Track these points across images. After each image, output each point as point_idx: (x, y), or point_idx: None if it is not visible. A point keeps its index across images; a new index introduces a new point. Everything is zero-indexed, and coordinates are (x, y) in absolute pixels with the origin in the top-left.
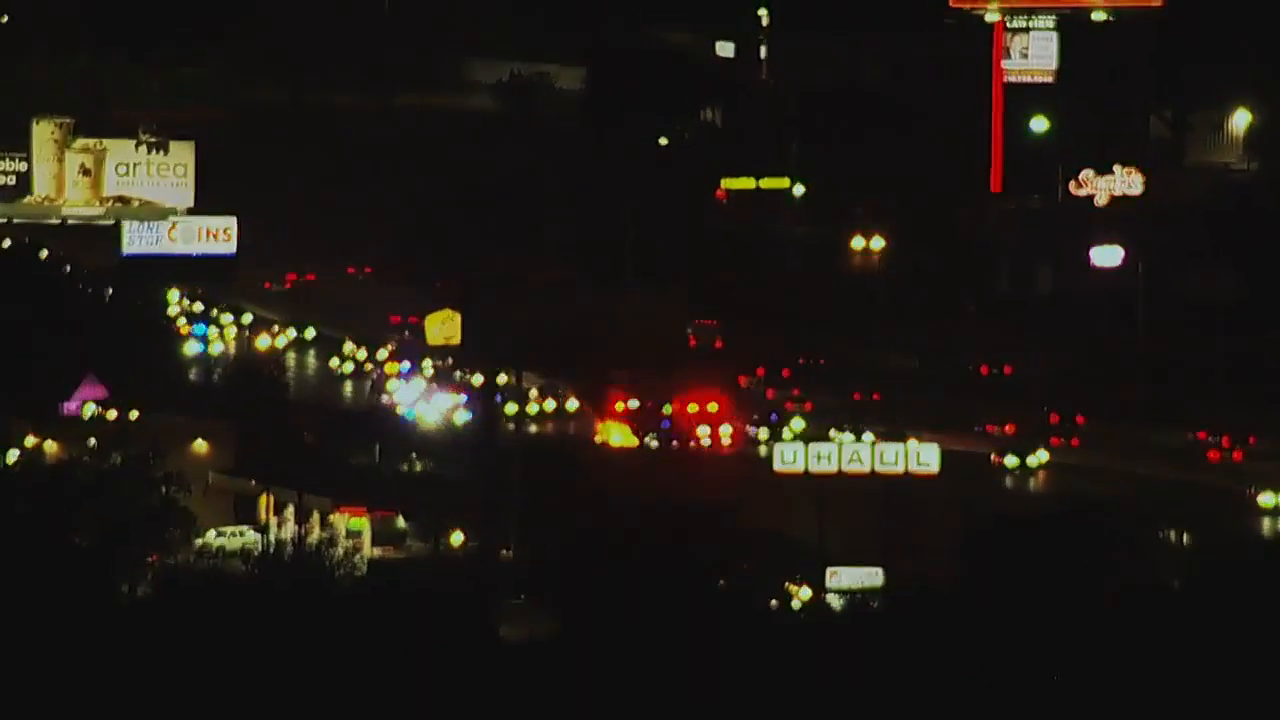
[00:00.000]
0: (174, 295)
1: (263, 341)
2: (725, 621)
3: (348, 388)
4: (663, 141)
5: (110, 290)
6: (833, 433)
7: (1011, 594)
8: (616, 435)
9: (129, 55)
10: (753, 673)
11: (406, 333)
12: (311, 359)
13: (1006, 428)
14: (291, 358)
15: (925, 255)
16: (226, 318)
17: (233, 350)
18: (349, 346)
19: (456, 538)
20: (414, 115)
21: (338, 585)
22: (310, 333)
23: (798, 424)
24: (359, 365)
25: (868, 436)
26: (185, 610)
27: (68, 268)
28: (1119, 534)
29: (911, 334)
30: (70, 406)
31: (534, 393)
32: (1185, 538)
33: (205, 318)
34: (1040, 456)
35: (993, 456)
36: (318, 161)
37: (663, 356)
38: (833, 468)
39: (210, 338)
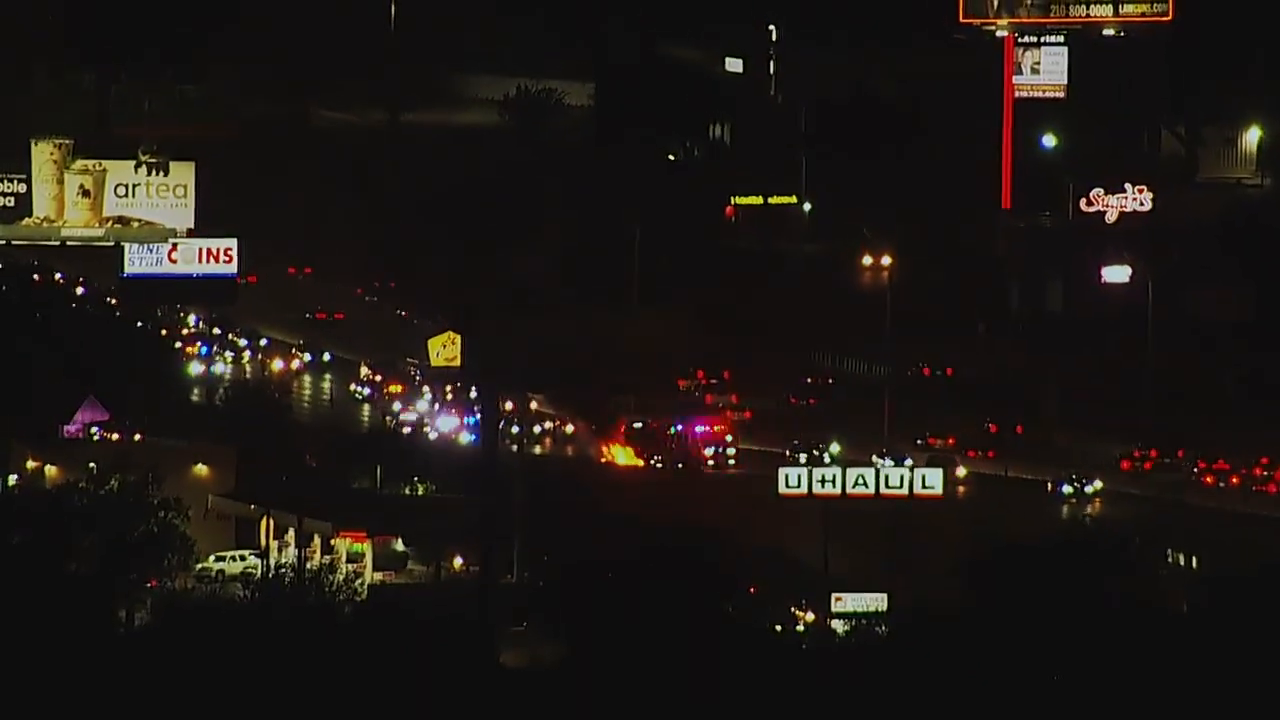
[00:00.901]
0: (190, 319)
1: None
2: (729, 649)
3: (363, 411)
4: (671, 157)
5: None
6: (875, 459)
7: (1017, 620)
8: (622, 455)
9: (131, 73)
10: (756, 700)
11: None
12: (304, 381)
13: (949, 440)
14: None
15: (935, 272)
16: (241, 341)
17: (249, 373)
18: (365, 371)
19: (458, 561)
20: (419, 131)
21: (337, 612)
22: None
23: (835, 449)
24: (375, 388)
25: (908, 462)
26: (184, 637)
27: (80, 289)
28: (1126, 559)
29: (917, 348)
30: (71, 429)
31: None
32: (1195, 561)
33: (221, 341)
34: (1095, 484)
35: (1049, 485)
36: (319, 177)
37: (667, 378)
38: (836, 491)
39: (220, 359)
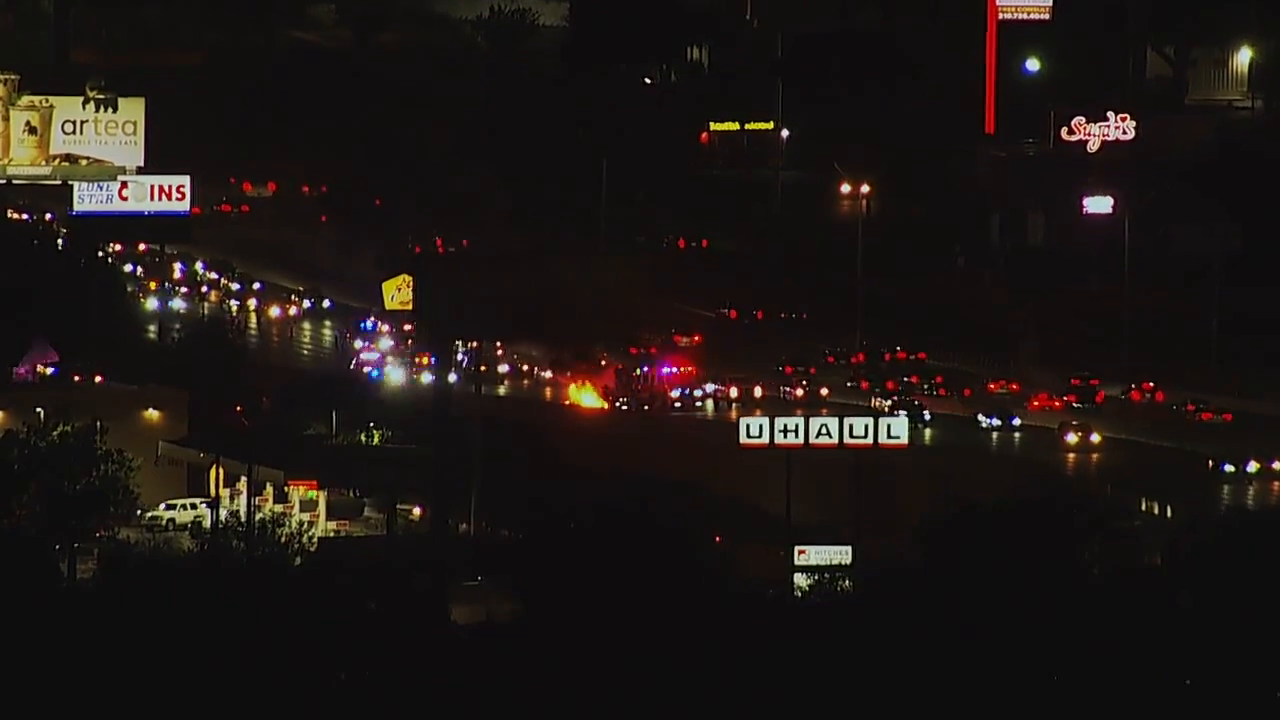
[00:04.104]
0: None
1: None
2: (690, 601)
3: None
4: (647, 81)
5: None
6: (980, 417)
7: (978, 580)
8: (587, 397)
9: None
10: (717, 653)
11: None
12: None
13: (694, 337)
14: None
15: (915, 203)
16: (234, 285)
17: (252, 319)
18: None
19: (415, 511)
20: (392, 53)
21: (285, 566)
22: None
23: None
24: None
25: (1015, 421)
26: (128, 593)
27: (64, 232)
28: (1093, 519)
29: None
30: (20, 371)
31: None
32: (1169, 510)
33: (215, 286)
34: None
35: (1209, 462)
36: (285, 102)
37: (632, 321)
38: (799, 441)
39: (177, 295)
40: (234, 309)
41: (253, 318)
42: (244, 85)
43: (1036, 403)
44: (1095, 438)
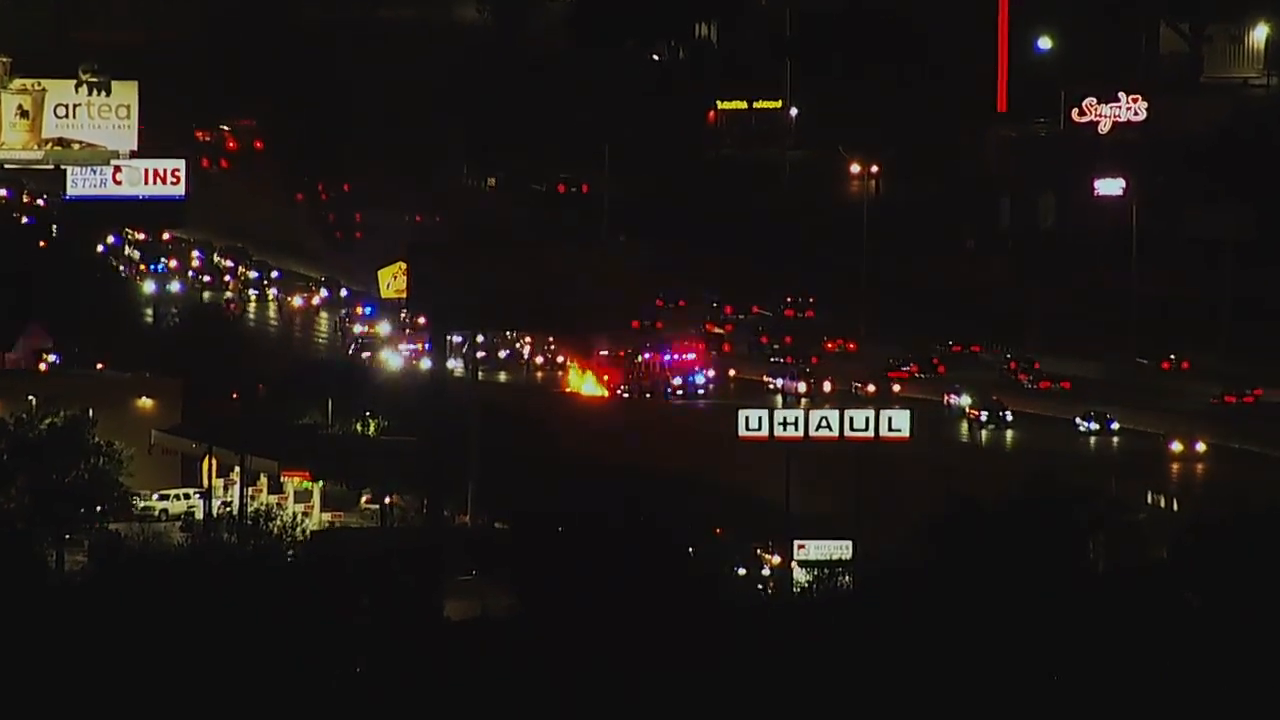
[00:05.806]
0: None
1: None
2: (688, 599)
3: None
4: (655, 58)
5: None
6: (1078, 420)
7: (980, 578)
8: (588, 385)
9: None
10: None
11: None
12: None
13: None
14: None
15: (924, 184)
16: (252, 274)
17: (273, 310)
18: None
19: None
20: (392, 29)
21: (276, 560)
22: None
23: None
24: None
25: (1114, 425)
26: (119, 586)
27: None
28: (1095, 514)
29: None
30: (13, 357)
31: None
32: (1175, 503)
33: (232, 274)
34: None
35: None
36: (287, 79)
37: (630, 309)
38: (799, 434)
39: (179, 280)
40: (252, 298)
41: (272, 307)
42: (226, 56)
43: (892, 374)
44: (1200, 446)
